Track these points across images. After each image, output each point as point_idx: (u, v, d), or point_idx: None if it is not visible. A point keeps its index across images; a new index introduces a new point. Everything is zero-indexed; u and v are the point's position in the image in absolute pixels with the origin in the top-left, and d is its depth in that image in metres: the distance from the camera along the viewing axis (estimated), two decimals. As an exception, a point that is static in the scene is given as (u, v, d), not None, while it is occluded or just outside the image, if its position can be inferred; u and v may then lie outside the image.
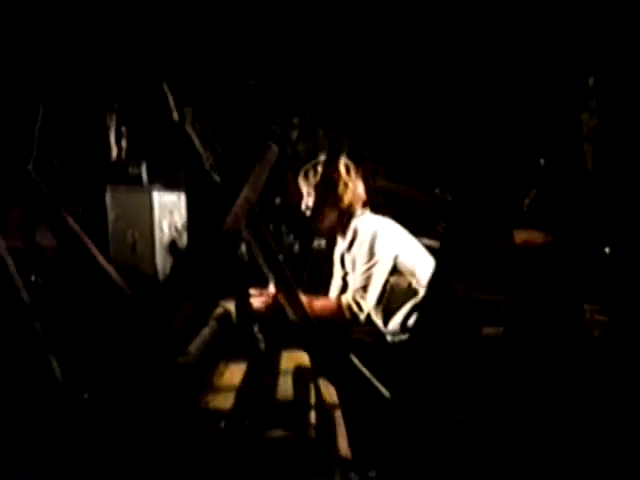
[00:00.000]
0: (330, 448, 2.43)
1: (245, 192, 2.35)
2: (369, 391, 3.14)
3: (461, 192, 4.53)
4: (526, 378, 3.56)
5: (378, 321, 4.14)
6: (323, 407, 2.75)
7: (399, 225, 4.36)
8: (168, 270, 5.99)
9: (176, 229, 6.02)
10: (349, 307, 4.10)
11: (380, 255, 4.11)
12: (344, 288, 4.36)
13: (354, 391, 3.10)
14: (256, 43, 6.46)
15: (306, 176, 4.31)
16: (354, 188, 4.28)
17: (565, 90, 5.28)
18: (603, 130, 5.17)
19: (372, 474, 2.42)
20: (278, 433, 2.36)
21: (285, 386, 2.85)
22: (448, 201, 5.30)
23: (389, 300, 4.14)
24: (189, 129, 3.50)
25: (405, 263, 4.14)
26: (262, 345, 3.67)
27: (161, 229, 5.89)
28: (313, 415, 2.58)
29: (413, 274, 4.14)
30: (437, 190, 5.42)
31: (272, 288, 4.29)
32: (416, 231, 4.91)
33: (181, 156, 6.43)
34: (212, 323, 3.35)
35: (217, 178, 3.53)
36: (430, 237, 5.23)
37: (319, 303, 4.06)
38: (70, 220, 2.83)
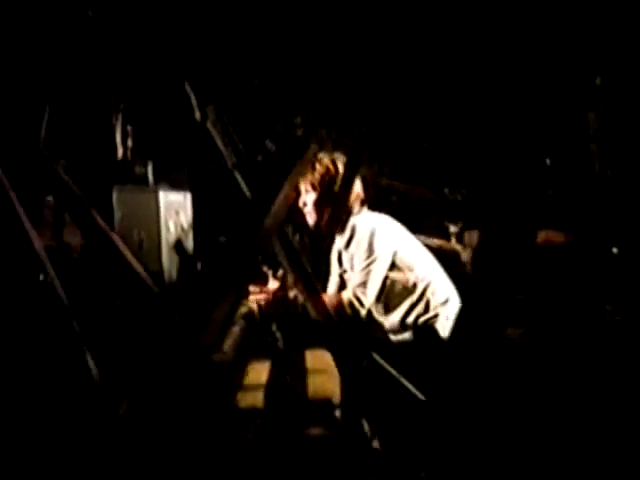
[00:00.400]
0: (367, 446, 2.43)
1: (285, 190, 2.36)
2: (395, 390, 3.15)
3: (487, 193, 4.55)
4: (547, 378, 3.58)
5: (379, 317, 4.15)
6: (353, 405, 2.75)
7: (397, 222, 4.38)
8: (174, 270, 6.00)
9: (182, 229, 6.02)
10: (350, 303, 4.12)
11: (379, 252, 4.13)
12: (342, 286, 4.37)
13: (379, 390, 3.11)
14: (259, 43, 6.46)
15: None
16: (352, 186, 4.30)
17: (572, 90, 5.30)
18: (610, 130, 5.19)
19: (422, 474, 2.43)
20: (316, 431, 2.37)
21: (314, 385, 2.85)
22: (458, 201, 5.32)
23: (388, 296, 4.16)
24: (211, 128, 3.51)
25: (403, 259, 4.17)
26: (280, 344, 3.68)
27: (167, 229, 5.89)
28: (345, 413, 2.58)
29: (412, 270, 4.17)
30: (447, 190, 5.44)
31: (271, 285, 4.31)
32: (424, 231, 4.93)
33: (186, 155, 6.44)
34: (240, 322, 3.35)
35: (239, 177, 3.54)
36: (437, 236, 5.25)
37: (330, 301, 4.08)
38: (98, 218, 2.83)
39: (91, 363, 2.51)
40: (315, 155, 2.70)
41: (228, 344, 2.92)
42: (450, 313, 4.17)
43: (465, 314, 3.79)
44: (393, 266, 4.18)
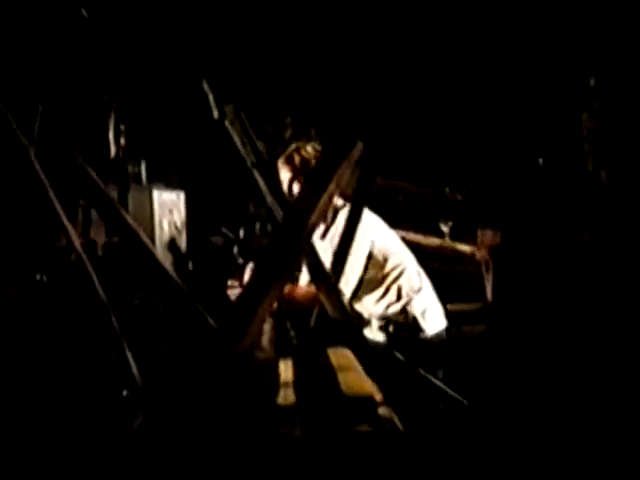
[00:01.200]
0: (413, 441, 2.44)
1: (330, 189, 2.37)
2: (416, 386, 3.18)
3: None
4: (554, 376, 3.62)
5: (357, 307, 4.19)
6: (386, 402, 2.76)
7: (374, 214, 4.42)
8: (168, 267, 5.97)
9: (176, 227, 6.02)
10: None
11: (358, 243, 4.15)
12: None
13: (399, 386, 3.13)
14: (250, 42, 6.46)
15: (289, 161, 4.32)
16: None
17: (566, 91, 5.36)
18: (603, 131, 5.25)
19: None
20: (364, 428, 2.38)
21: (346, 382, 2.86)
22: (458, 201, 5.36)
23: (365, 285, 4.21)
24: (229, 127, 3.51)
25: (381, 249, 4.23)
26: (294, 341, 3.70)
27: (161, 227, 5.88)
28: (385, 410, 2.59)
29: (387, 259, 4.21)
30: (447, 189, 5.47)
31: (247, 278, 4.34)
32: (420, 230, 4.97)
33: (178, 155, 6.43)
34: (269, 319, 3.36)
35: (258, 175, 3.55)
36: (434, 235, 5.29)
37: (301, 291, 4.12)
38: (128, 217, 2.82)
39: (131, 361, 2.50)
40: (360, 153, 2.71)
41: (264, 341, 2.93)
42: (426, 305, 4.22)
43: (493, 315, 3.83)
44: (370, 257, 4.22)
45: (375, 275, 4.22)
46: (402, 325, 4.19)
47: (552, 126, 5.40)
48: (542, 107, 5.45)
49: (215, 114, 3.46)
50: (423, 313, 4.20)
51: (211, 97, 3.44)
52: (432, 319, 4.23)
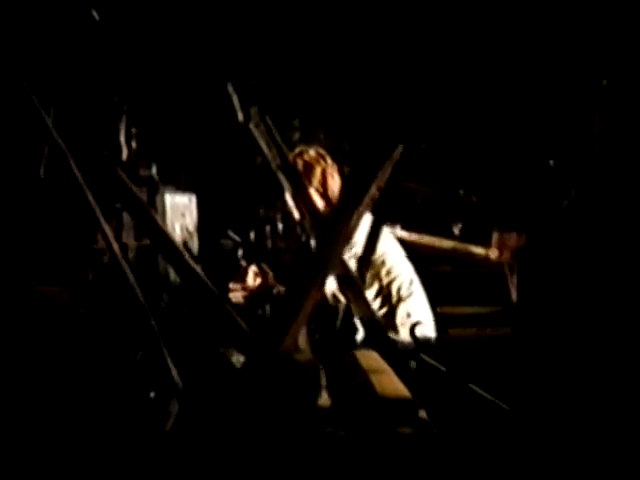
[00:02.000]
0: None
1: (371, 192, 2.38)
2: (445, 389, 3.18)
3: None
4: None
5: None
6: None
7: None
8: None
9: (187, 231, 6.02)
10: (333, 294, 4.15)
11: (358, 246, 4.17)
12: None
13: (427, 388, 3.13)
14: (258, 44, 6.46)
15: None
16: (338, 179, 4.35)
17: (577, 92, 5.37)
18: (615, 132, 5.25)
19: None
20: (407, 430, 2.38)
21: (380, 384, 2.86)
22: (473, 202, 5.36)
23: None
24: (254, 129, 3.51)
25: (378, 252, 4.23)
26: (319, 343, 3.70)
27: (173, 231, 5.88)
28: (423, 412, 2.60)
29: (383, 264, 4.24)
30: (461, 191, 5.47)
31: (251, 281, 4.34)
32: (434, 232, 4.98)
33: (188, 158, 6.43)
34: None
35: (283, 179, 3.55)
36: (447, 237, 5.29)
37: None
38: (158, 219, 2.83)
39: (170, 364, 2.51)
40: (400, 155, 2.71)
41: (302, 343, 2.93)
42: (410, 311, 4.23)
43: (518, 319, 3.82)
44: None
45: (368, 278, 4.23)
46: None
47: (564, 128, 5.40)
48: (554, 109, 5.46)
49: (240, 117, 3.46)
50: (405, 318, 4.20)
51: (235, 99, 3.44)
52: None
